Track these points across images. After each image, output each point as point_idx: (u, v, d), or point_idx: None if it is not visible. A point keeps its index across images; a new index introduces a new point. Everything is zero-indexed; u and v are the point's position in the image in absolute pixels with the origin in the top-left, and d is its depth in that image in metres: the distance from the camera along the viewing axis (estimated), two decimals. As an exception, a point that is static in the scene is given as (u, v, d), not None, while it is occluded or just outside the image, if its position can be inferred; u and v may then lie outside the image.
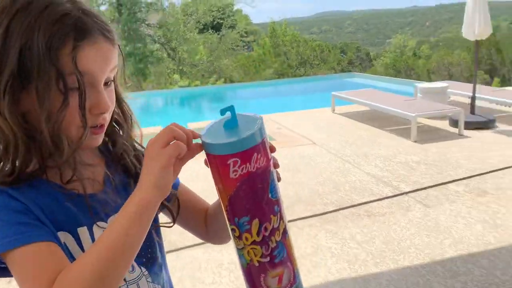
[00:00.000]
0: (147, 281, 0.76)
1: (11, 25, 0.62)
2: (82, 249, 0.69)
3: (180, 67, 13.36)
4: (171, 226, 0.82)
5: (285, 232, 0.70)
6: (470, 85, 5.66)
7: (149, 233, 0.74)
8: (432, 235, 2.82)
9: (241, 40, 15.77)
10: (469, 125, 5.44)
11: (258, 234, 0.67)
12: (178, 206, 0.82)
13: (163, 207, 0.79)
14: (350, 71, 17.70)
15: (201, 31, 15.03)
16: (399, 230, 2.92)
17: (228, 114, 0.66)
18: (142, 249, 0.72)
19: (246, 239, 0.67)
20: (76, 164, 0.68)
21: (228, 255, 2.72)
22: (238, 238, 0.68)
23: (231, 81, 16.16)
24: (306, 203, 3.61)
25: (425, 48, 21.62)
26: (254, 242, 0.67)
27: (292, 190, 3.90)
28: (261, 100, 10.70)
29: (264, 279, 0.69)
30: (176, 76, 13.37)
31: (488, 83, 15.92)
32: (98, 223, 0.71)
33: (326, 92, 7.09)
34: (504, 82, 15.92)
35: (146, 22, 12.89)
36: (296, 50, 19.04)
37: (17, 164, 0.65)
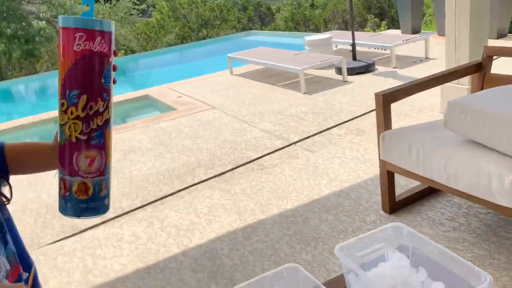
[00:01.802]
0: None
1: None
2: None
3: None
4: (7, 203, 0.94)
5: (108, 123, 0.81)
6: (351, 33, 6.10)
7: None
8: (311, 177, 3.18)
9: (134, 8, 15.14)
10: (352, 71, 5.93)
11: (83, 110, 0.77)
12: (11, 191, 0.94)
13: None
14: (251, 28, 17.83)
15: (90, 2, 14.16)
16: (283, 178, 3.24)
17: (85, 6, 0.78)
18: None
19: (71, 113, 0.77)
20: None
21: (128, 228, 2.86)
22: (64, 112, 0.78)
23: (132, 52, 15.58)
24: (206, 167, 3.81)
25: (320, -3, 22.25)
26: (77, 117, 0.77)
27: (193, 156, 4.08)
28: (163, 69, 10.56)
29: (77, 157, 0.78)
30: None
31: (380, 26, 16.97)
32: None
33: (226, 54, 7.21)
34: (393, 23, 16.97)
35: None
36: (196, 12, 18.68)
37: None
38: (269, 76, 6.70)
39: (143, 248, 2.60)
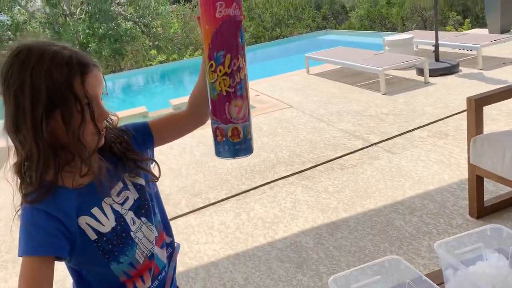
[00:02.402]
0: (147, 226, 1.09)
1: (33, 73, 0.91)
2: (101, 223, 1.01)
3: (156, 43, 13.36)
4: (156, 180, 1.15)
5: (246, 76, 0.95)
6: (434, 33, 5.94)
7: (144, 190, 1.08)
8: (395, 179, 3.20)
9: (213, 8, 15.65)
10: (435, 72, 5.77)
11: (229, 67, 0.91)
12: (159, 171, 1.14)
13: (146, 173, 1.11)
14: (325, 27, 17.72)
15: (172, 4, 14.91)
16: (365, 178, 3.29)
17: None
18: (141, 205, 1.07)
19: (220, 71, 0.91)
20: (90, 161, 0.99)
21: (217, 217, 3.08)
22: (213, 72, 0.92)
23: (209, 51, 16.12)
24: (286, 164, 3.96)
25: (398, -5, 21.55)
26: (225, 74, 0.91)
27: (273, 153, 4.25)
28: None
29: (228, 107, 0.93)
30: (154, 52, 13.41)
31: (462, 24, 16.12)
32: (104, 199, 1.03)
33: (301, 53, 7.32)
34: (477, 21, 16.10)
35: (116, 1, 12.78)
36: (270, 11, 18.92)
37: (38, 174, 0.95)
38: (347, 76, 6.70)
39: (232, 237, 2.80)
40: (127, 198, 1.08)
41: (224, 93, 0.93)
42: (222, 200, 3.46)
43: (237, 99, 0.94)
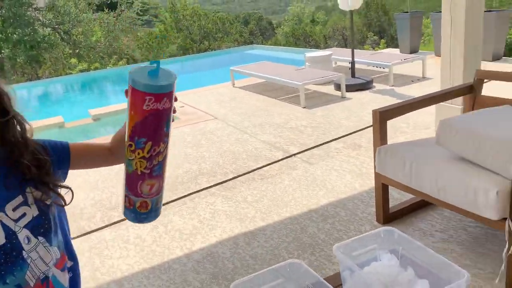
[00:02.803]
0: (44, 246, 1.03)
1: None
2: None
3: (77, 51, 12.79)
4: (63, 206, 1.09)
5: (165, 157, 0.97)
6: (351, 51, 6.30)
7: (47, 209, 1.02)
8: (310, 188, 3.32)
9: (139, 18, 15.40)
10: (351, 88, 6.11)
11: (148, 152, 0.92)
12: (72, 196, 1.10)
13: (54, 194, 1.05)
14: (252, 42, 18.09)
15: (96, 11, 14.41)
16: (283, 188, 3.38)
17: (153, 65, 0.90)
18: (40, 224, 1.01)
19: (138, 154, 0.92)
20: None
21: (134, 231, 2.99)
22: (132, 151, 0.92)
23: (134, 61, 15.78)
24: (208, 175, 3.95)
25: (321, 14, 22.63)
26: (143, 158, 0.92)
27: (196, 164, 4.22)
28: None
29: (141, 185, 0.95)
30: (74, 61, 12.82)
31: (378, 44, 17.25)
32: None
33: (228, 66, 7.41)
34: (392, 42, 17.27)
35: (33, 6, 12.08)
36: (198, 24, 18.96)
37: None
38: (270, 90, 6.88)
39: (148, 250, 2.73)
40: (24, 214, 1.00)
41: (139, 173, 0.93)
42: (140, 212, 3.36)
43: (151, 179, 0.95)
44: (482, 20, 3.61)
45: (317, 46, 17.66)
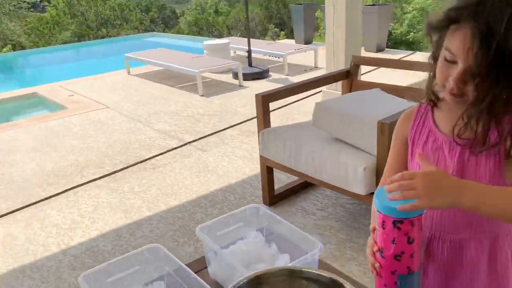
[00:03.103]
0: None
1: None
2: None
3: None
4: None
5: None
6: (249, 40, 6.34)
7: None
8: (201, 175, 3.28)
9: (24, 1, 14.05)
10: (248, 76, 6.17)
11: None
12: None
13: None
14: (154, 30, 17.50)
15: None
16: (173, 176, 3.30)
17: None
18: None
19: None
20: None
21: (4, 230, 2.71)
22: None
23: (22, 47, 14.42)
24: (96, 166, 3.72)
25: (224, 5, 22.61)
26: None
27: (82, 156, 3.95)
28: (57, 66, 9.95)
29: None
30: None
31: (279, 35, 17.70)
32: None
33: (125, 53, 7.04)
34: (292, 33, 17.80)
35: None
36: (95, 10, 17.87)
37: None
38: (168, 77, 6.69)
39: (20, 249, 2.48)
40: None
41: None
42: (16, 210, 3.06)
43: None
44: (360, 12, 3.83)
45: (221, 36, 17.61)
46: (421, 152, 0.97)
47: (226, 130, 4.46)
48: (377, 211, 0.87)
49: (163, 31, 18.32)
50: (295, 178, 2.89)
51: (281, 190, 2.79)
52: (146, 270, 1.24)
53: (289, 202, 2.77)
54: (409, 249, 0.86)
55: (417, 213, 0.83)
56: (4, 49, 13.66)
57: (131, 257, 1.23)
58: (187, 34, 17.35)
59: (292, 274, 0.92)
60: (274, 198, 2.74)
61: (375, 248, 0.88)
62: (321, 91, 4.38)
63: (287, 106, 4.92)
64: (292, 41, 8.91)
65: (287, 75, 6.41)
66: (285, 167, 2.46)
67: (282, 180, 3.01)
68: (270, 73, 6.47)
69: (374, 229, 0.90)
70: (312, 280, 0.92)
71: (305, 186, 2.87)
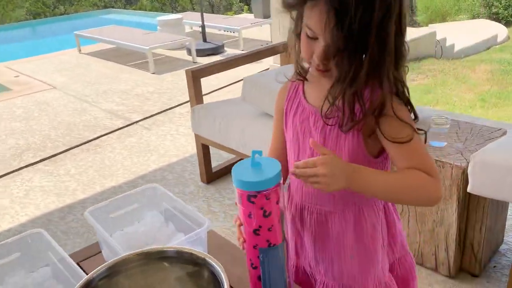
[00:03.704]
0: None
1: None
2: None
3: None
4: None
5: None
6: (204, 15, 6.18)
7: None
8: (141, 155, 3.20)
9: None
10: (202, 52, 6.03)
11: None
12: None
13: None
14: (113, 6, 16.90)
15: None
16: (113, 157, 3.21)
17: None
18: None
19: None
20: None
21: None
22: None
23: (-29, 27, 13.68)
24: (36, 150, 3.59)
25: (188, -21, 22.01)
26: None
27: (23, 139, 3.80)
28: (5, 46, 9.50)
29: None
30: None
31: (242, 9, 17.40)
32: None
33: (76, 30, 6.77)
34: (243, 10, 17.47)
35: None
36: (51, -14, 17.07)
37: None
38: (120, 55, 6.48)
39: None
40: None
41: None
42: None
43: None
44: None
45: (185, 11, 17.17)
46: (290, 123, 0.96)
47: (175, 108, 4.37)
48: (234, 186, 0.84)
49: (124, 8, 17.70)
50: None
51: (218, 168, 2.75)
52: (145, 207, 1.30)
53: (227, 179, 2.73)
54: (266, 222, 0.84)
55: (269, 185, 0.80)
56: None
57: (132, 195, 1.28)
58: (150, 10, 16.84)
59: (150, 257, 0.89)
60: (212, 175, 2.70)
61: (238, 223, 0.88)
62: (268, 68, 4.31)
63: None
64: (251, 16, 8.76)
65: (242, 50, 6.30)
66: (217, 143, 2.41)
67: (223, 157, 2.97)
68: (225, 48, 6.34)
69: (236, 204, 0.88)
70: (173, 259, 0.89)
71: (244, 162, 2.84)
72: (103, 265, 0.87)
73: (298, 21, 0.86)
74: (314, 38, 0.80)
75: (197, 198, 2.58)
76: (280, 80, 1.08)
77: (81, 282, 0.84)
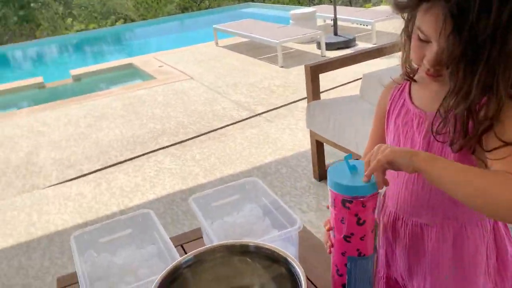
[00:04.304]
0: None
1: None
2: None
3: (68, 10, 12.64)
4: None
5: None
6: (337, 8, 6.09)
7: None
8: (260, 146, 3.30)
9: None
10: (332, 46, 5.95)
11: None
12: None
13: None
14: (253, 0, 17.60)
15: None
16: (233, 146, 3.37)
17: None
18: None
19: None
20: None
21: (77, 188, 3.03)
22: None
23: (132, 20, 15.53)
24: (170, 134, 3.95)
25: (326, -29, 21.84)
26: None
27: (160, 124, 4.22)
28: (156, 39, 10.60)
29: None
30: (70, 21, 12.68)
31: (381, 1, 16.64)
32: None
33: (218, 24, 7.27)
34: (381, 1, 16.62)
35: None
36: (198, -19, 18.46)
37: None
38: (253, 48, 6.74)
39: (86, 206, 2.77)
40: None
41: None
42: (93, 172, 3.40)
43: None
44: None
45: (320, 3, 17.09)
46: (392, 125, 0.93)
47: (297, 102, 4.40)
48: (329, 188, 0.82)
49: (263, 1, 18.31)
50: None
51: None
52: (245, 199, 1.36)
53: (341, 178, 2.66)
54: (359, 231, 0.81)
55: (368, 192, 0.77)
56: (118, 22, 14.86)
57: (233, 186, 1.36)
58: (287, 3, 17.14)
59: (233, 250, 0.92)
60: (324, 173, 2.66)
61: (328, 227, 0.86)
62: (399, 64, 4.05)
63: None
64: (387, 7, 8.33)
65: (375, 44, 6.05)
66: (330, 141, 2.36)
67: (338, 155, 2.90)
68: (356, 42, 6.16)
69: (328, 207, 0.86)
70: (255, 254, 0.91)
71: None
72: (190, 253, 0.93)
73: (409, 22, 0.81)
74: (427, 41, 0.75)
75: (307, 194, 2.57)
76: (385, 83, 1.03)
77: (168, 268, 0.90)
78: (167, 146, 3.73)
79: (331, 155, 2.76)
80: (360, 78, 4.02)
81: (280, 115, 4.08)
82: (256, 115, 4.21)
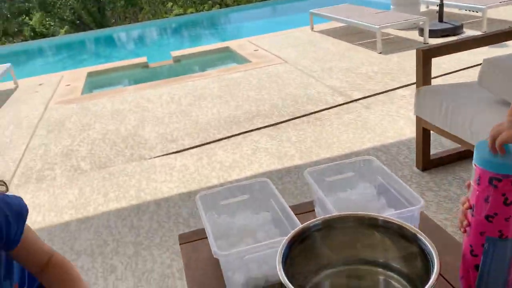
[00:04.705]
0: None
1: None
2: None
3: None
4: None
5: None
6: (441, -8, 5.73)
7: None
8: (358, 132, 3.24)
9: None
10: (436, 33, 5.61)
11: None
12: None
13: None
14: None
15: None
16: (330, 131, 3.34)
17: None
18: None
19: None
20: None
21: (181, 160, 3.21)
22: None
23: (226, 5, 15.94)
24: (264, 116, 4.03)
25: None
26: None
27: (254, 106, 4.31)
28: (251, 23, 10.77)
29: None
30: (170, 5, 13.36)
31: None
32: None
33: (314, 9, 7.22)
34: None
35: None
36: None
37: None
38: (350, 34, 6.59)
39: (189, 177, 2.93)
40: None
41: None
42: (194, 147, 3.58)
43: None
44: None
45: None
46: None
47: (397, 90, 4.23)
48: (474, 165, 0.80)
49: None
50: (459, 145, 2.61)
51: (438, 156, 2.57)
52: (359, 177, 1.35)
53: (447, 169, 2.53)
54: (505, 211, 0.77)
55: None
56: (214, 8, 15.36)
57: (348, 163, 1.35)
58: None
59: (362, 221, 0.91)
60: (429, 163, 2.54)
61: (466, 205, 0.82)
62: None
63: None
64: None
65: (484, 31, 5.60)
66: (440, 129, 2.25)
67: (444, 145, 2.76)
68: (464, 29, 5.75)
69: (469, 186, 0.83)
70: (383, 228, 0.90)
71: (468, 154, 2.58)
72: (319, 218, 0.94)
73: None
74: None
75: (409, 183, 2.48)
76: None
77: (297, 229, 0.93)
78: (262, 127, 3.80)
79: (437, 145, 2.63)
80: (467, 68, 3.74)
81: (378, 102, 3.96)
82: (353, 100, 4.12)
